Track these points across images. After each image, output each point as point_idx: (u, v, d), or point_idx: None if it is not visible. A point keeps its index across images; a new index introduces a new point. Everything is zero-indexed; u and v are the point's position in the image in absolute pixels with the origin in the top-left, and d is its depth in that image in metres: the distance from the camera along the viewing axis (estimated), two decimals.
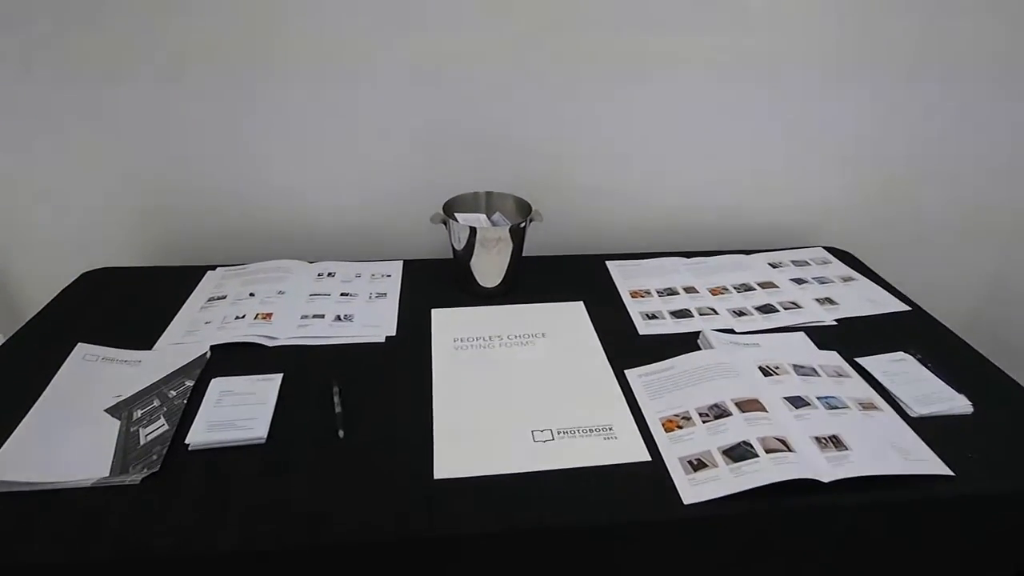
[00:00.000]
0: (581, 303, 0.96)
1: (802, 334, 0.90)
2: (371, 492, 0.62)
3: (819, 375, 0.79)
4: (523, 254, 0.98)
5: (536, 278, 1.02)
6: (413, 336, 0.87)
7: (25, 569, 0.54)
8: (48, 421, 0.67)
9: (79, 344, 0.79)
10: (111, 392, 0.72)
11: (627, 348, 0.86)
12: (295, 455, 0.66)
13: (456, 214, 0.97)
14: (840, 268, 1.10)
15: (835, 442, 0.67)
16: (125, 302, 0.94)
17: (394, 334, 0.88)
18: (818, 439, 0.67)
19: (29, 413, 0.68)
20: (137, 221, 1.10)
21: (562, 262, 1.09)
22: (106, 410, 0.69)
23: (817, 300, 0.99)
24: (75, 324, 0.87)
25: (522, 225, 0.94)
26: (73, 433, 0.66)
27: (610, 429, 0.71)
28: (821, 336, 0.89)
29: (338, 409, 0.71)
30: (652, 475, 0.65)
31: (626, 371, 0.81)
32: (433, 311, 0.93)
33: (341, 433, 0.68)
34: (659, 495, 0.62)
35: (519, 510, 0.60)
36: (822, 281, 1.05)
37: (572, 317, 0.94)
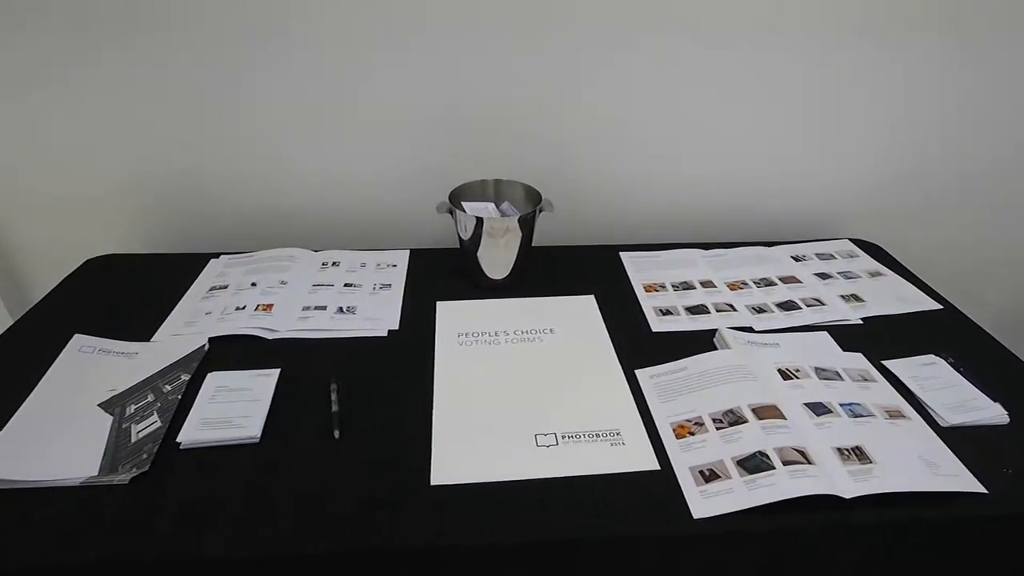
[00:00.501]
0: (592, 297, 0.93)
1: (825, 334, 0.85)
2: (365, 497, 0.59)
3: (842, 379, 0.74)
4: (532, 245, 0.94)
5: (546, 270, 0.98)
6: (417, 330, 0.85)
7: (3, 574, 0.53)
8: (40, 416, 0.66)
9: (76, 335, 0.78)
10: (106, 385, 0.71)
11: (639, 346, 0.82)
12: (288, 456, 0.64)
13: (463, 203, 0.94)
14: (867, 262, 1.04)
15: (858, 454, 0.63)
16: (127, 290, 0.92)
17: (397, 328, 0.85)
18: (840, 450, 0.63)
19: (22, 407, 0.67)
20: (143, 206, 1.08)
21: (573, 253, 1.05)
22: (99, 405, 0.68)
23: (842, 297, 0.94)
24: (76, 312, 0.86)
25: (531, 215, 0.90)
26: (65, 429, 0.65)
27: (617, 434, 0.67)
28: (846, 336, 0.84)
29: (335, 408, 0.69)
30: (660, 485, 0.61)
31: (636, 371, 0.77)
32: (438, 304, 0.90)
33: (337, 433, 0.66)
34: (667, 507, 0.59)
35: (517, 521, 0.57)
36: (848, 276, 1.00)
37: (582, 312, 0.90)
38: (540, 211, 0.91)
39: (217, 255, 1.02)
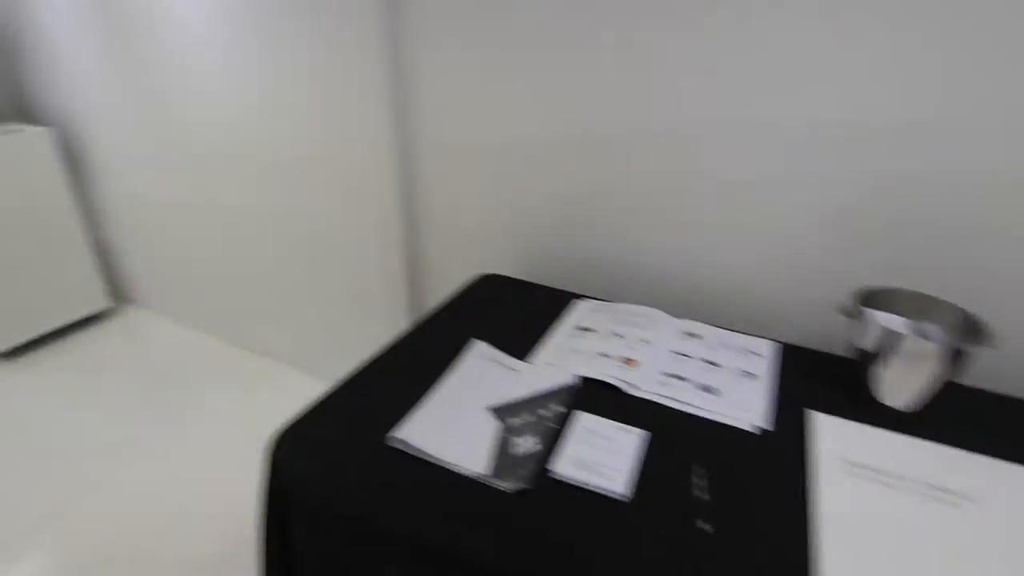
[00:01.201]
0: None
1: None
2: None
3: None
4: (956, 380, 0.74)
5: (966, 416, 0.77)
6: (789, 437, 0.74)
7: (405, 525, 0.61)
8: (446, 404, 0.77)
9: (476, 340, 0.91)
10: (493, 392, 0.79)
11: None
12: (650, 529, 0.60)
13: (871, 310, 0.80)
14: None
15: None
16: (509, 309, 1.05)
17: (766, 426, 0.76)
18: None
19: (435, 393, 0.79)
20: (524, 237, 1.24)
21: (1010, 405, 0.80)
22: (488, 408, 0.76)
23: None
24: (469, 318, 1.01)
25: (968, 346, 0.71)
26: (462, 421, 0.74)
27: None
28: None
29: (703, 496, 0.63)
30: None
31: None
32: (816, 415, 0.78)
33: (708, 527, 0.60)
34: None
35: None
36: None
37: (1020, 487, 0.66)
38: (978, 344, 0.71)
39: (577, 295, 1.09)
